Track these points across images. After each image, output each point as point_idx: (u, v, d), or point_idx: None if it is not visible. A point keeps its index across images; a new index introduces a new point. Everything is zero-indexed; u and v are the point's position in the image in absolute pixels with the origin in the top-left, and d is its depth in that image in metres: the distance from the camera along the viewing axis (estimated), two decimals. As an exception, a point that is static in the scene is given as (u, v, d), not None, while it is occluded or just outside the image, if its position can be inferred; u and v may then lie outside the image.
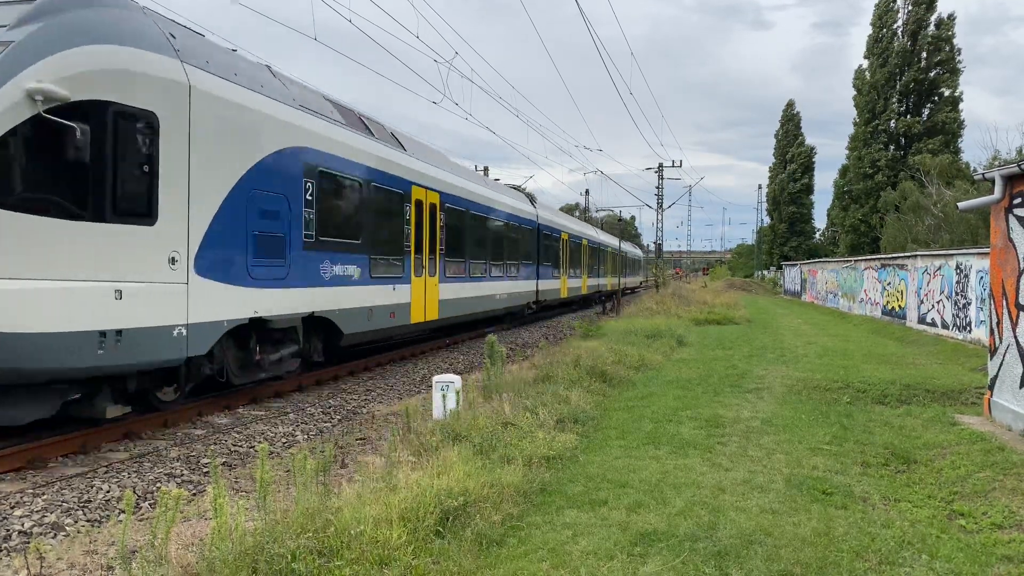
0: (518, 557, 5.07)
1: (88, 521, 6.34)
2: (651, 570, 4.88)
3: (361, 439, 9.25)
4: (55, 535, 6.01)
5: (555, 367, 11.95)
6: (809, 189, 71.96)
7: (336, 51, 17.96)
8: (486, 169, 59.45)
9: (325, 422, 10.40)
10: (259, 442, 9.04)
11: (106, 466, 7.84)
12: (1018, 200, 8.97)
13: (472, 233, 20.22)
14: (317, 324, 12.47)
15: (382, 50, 18.45)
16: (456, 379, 9.35)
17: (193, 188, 9.08)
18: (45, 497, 6.76)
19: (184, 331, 8.92)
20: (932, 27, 44.70)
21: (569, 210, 67.80)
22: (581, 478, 6.88)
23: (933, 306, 22.38)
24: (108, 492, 7.00)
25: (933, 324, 22.21)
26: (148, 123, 8.45)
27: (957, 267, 20.40)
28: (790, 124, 73.59)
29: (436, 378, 9.54)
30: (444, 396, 9.18)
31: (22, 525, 6.11)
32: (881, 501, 6.38)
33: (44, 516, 6.33)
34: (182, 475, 7.69)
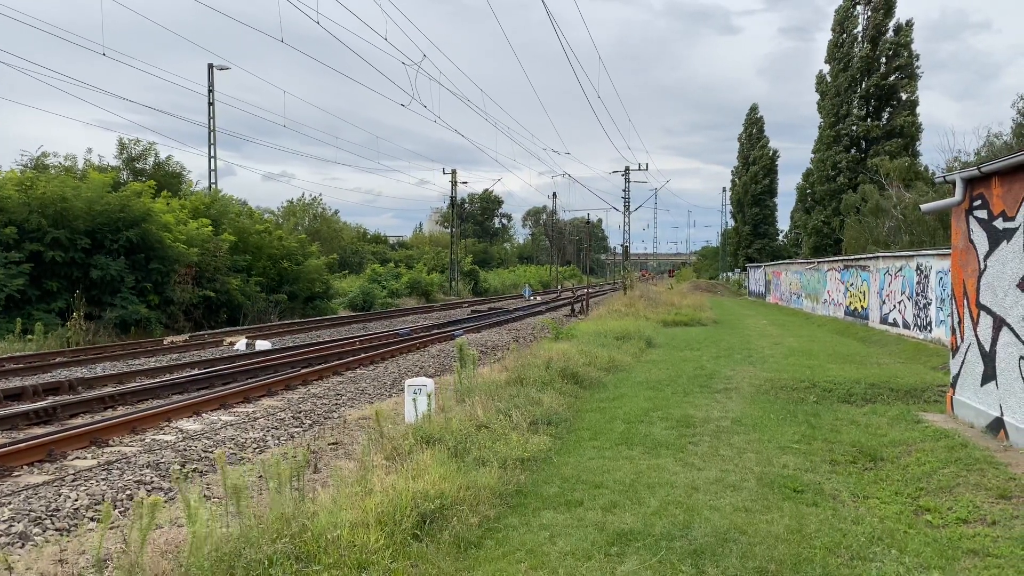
0: (496, 559, 5.09)
1: (57, 530, 6.23)
2: (629, 569, 4.92)
3: (333, 444, 9.19)
4: (23, 545, 5.89)
5: (527, 369, 11.96)
6: (772, 192, 72.86)
7: (304, 53, 17.85)
8: (454, 172, 59.44)
9: (296, 427, 10.31)
10: (230, 448, 8.95)
11: (73, 474, 7.70)
12: (978, 202, 9.19)
13: None
14: None
15: (350, 52, 18.39)
16: (428, 382, 9.34)
17: None
18: (12, 506, 6.62)
19: None
20: (891, 33, 45.60)
21: (537, 212, 67.05)
22: (556, 479, 6.92)
23: (895, 306, 22.81)
24: (76, 500, 6.87)
25: (895, 324, 22.63)
26: None
27: (918, 268, 20.82)
28: (753, 128, 74.49)
29: (408, 382, 9.51)
30: (416, 400, 9.16)
31: (-12, 535, 5.98)
32: (850, 498, 6.50)
33: (11, 526, 6.20)
34: (152, 482, 7.59)
